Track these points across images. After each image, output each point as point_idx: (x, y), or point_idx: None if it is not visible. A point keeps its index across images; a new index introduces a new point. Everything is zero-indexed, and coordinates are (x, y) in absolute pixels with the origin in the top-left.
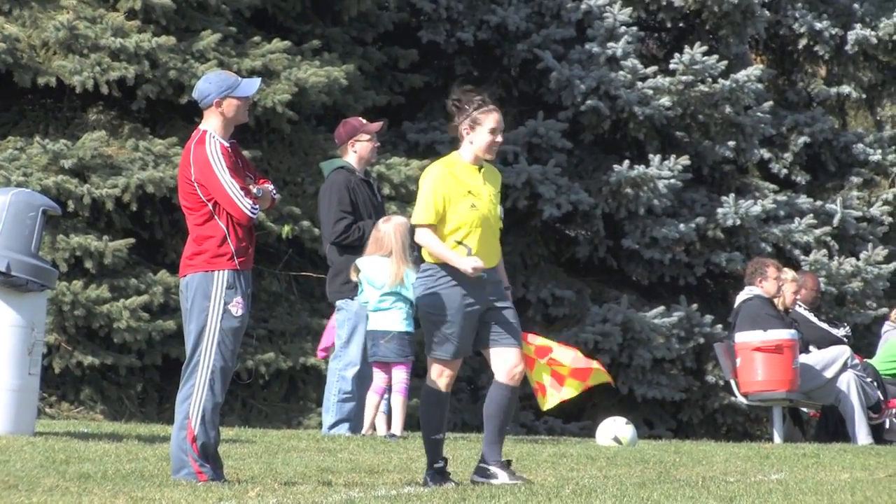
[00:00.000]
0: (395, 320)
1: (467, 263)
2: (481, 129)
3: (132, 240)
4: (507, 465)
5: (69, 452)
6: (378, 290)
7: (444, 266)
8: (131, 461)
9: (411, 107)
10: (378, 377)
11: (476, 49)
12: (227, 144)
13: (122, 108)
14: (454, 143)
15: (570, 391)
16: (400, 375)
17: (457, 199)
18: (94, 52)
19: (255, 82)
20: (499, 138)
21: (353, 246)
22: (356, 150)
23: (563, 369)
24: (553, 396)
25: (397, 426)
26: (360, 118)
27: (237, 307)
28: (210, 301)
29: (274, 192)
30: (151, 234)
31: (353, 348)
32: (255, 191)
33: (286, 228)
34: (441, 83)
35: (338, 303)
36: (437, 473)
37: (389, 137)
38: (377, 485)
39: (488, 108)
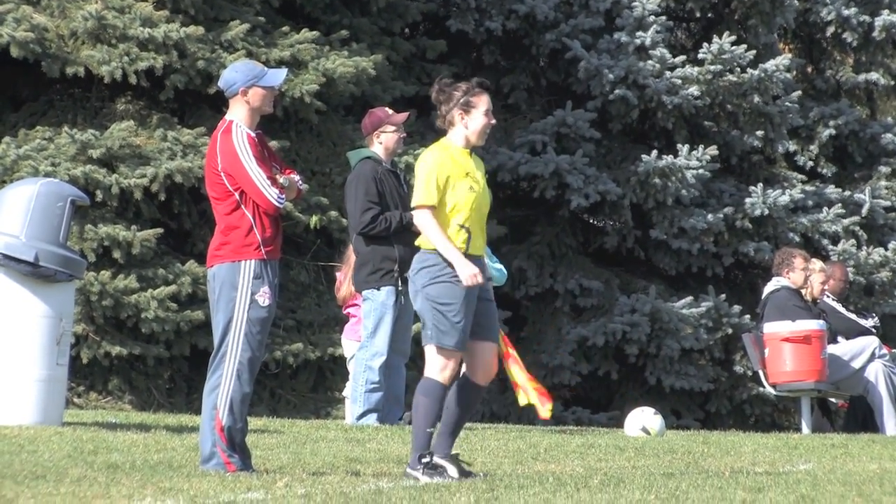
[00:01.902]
0: None
1: (467, 271)
2: (476, 111)
3: (160, 230)
4: (455, 459)
5: (97, 443)
6: None
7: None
8: (159, 451)
9: None
10: None
11: (504, 39)
12: (253, 134)
13: (150, 98)
14: None
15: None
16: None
17: (457, 180)
18: (122, 42)
19: (282, 73)
20: (493, 120)
21: (380, 236)
22: (382, 141)
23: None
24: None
25: None
26: (387, 109)
27: (264, 297)
28: (237, 291)
29: (300, 182)
30: (180, 224)
31: (380, 338)
32: (281, 180)
33: (314, 219)
34: (470, 73)
35: (364, 293)
36: (430, 467)
37: (418, 128)
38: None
39: (479, 90)
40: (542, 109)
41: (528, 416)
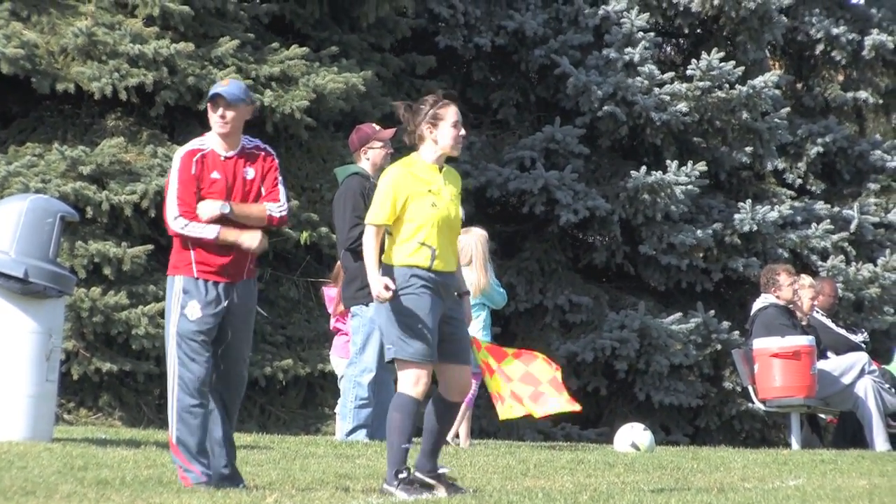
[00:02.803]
0: (474, 330)
1: (378, 285)
2: (444, 123)
3: (150, 246)
4: (441, 477)
5: (87, 459)
6: None
7: (412, 269)
8: (149, 467)
9: None
10: None
11: (493, 55)
12: (199, 149)
13: (140, 114)
14: (471, 150)
15: (531, 410)
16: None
17: (417, 197)
18: (112, 59)
19: (213, 88)
20: (462, 131)
21: None
22: (369, 157)
23: (523, 389)
24: (514, 408)
25: (464, 436)
26: (374, 125)
27: (192, 310)
28: (171, 305)
29: (279, 211)
30: (170, 240)
31: (369, 354)
32: (199, 209)
33: (304, 235)
34: (459, 89)
35: (353, 309)
36: (407, 483)
37: (406, 144)
38: (395, 491)
39: (446, 102)
40: (532, 125)
41: (517, 431)
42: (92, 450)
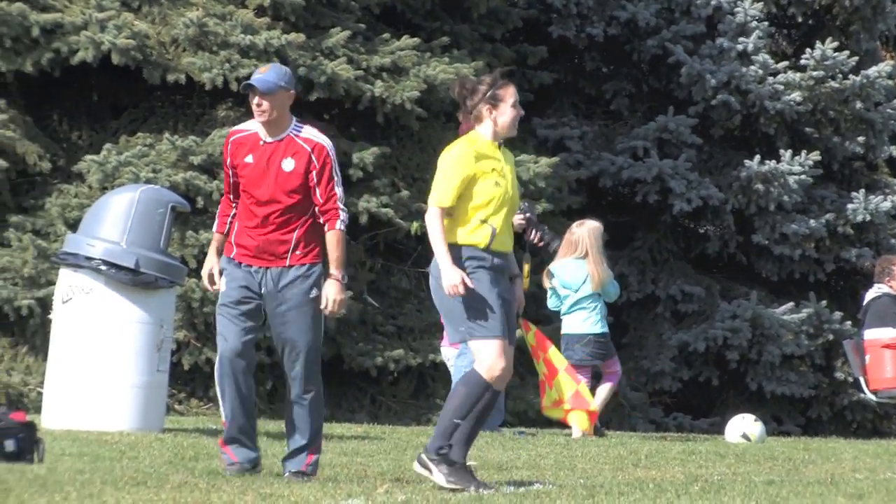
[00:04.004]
0: (592, 323)
1: (455, 278)
2: (504, 104)
3: None
4: (468, 470)
5: (198, 449)
6: (575, 293)
7: (469, 248)
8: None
9: (541, 103)
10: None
11: (606, 45)
12: (239, 130)
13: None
14: (583, 140)
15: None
16: (614, 367)
17: (482, 176)
18: (223, 49)
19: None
20: (521, 111)
21: None
22: None
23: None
24: (556, 411)
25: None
26: None
27: (221, 284)
28: None
29: (342, 224)
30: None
31: None
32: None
33: (415, 225)
34: (571, 79)
35: None
36: (447, 462)
37: (518, 134)
38: (506, 481)
39: (505, 82)
40: (644, 115)
41: (629, 421)
42: (203, 440)
